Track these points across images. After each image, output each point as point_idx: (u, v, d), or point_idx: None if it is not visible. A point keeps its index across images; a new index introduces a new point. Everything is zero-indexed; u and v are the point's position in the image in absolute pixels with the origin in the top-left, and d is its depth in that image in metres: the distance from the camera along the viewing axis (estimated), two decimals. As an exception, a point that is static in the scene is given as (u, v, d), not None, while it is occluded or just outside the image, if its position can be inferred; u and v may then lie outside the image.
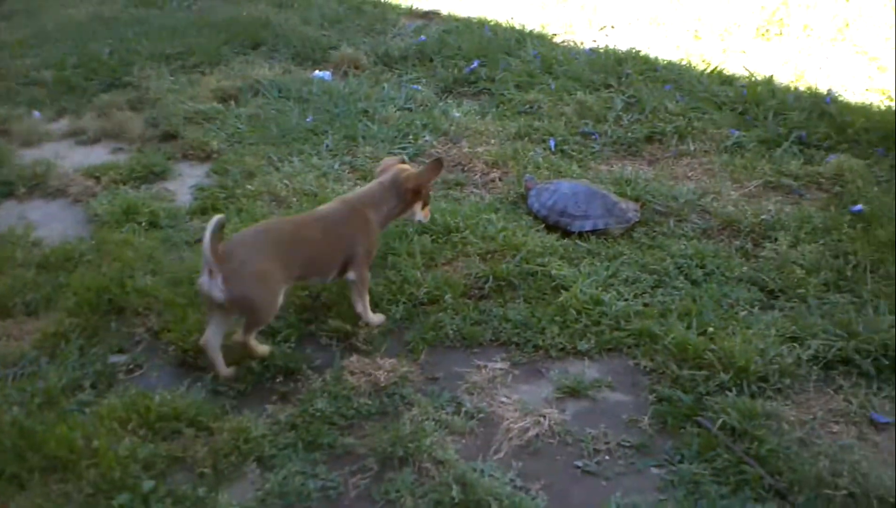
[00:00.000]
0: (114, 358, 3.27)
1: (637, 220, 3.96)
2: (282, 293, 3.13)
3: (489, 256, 3.72)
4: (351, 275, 3.31)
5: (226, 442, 2.79)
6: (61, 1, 7.93)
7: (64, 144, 5.16)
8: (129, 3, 7.54)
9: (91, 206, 4.33)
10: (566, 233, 3.90)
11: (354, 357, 3.19)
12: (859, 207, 3.96)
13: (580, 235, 3.87)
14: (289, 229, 3.29)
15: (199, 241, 3.13)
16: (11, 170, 4.70)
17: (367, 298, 3.37)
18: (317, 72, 5.92)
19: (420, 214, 3.54)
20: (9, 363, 3.22)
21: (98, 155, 4.96)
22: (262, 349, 3.17)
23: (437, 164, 3.52)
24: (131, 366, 3.23)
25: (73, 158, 4.88)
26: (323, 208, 3.43)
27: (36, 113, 5.55)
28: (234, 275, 2.95)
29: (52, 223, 4.23)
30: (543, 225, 3.95)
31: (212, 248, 2.91)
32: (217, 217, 2.95)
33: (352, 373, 3.10)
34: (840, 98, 5.00)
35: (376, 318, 3.38)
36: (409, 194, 3.40)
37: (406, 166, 3.52)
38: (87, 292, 3.51)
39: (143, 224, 4.07)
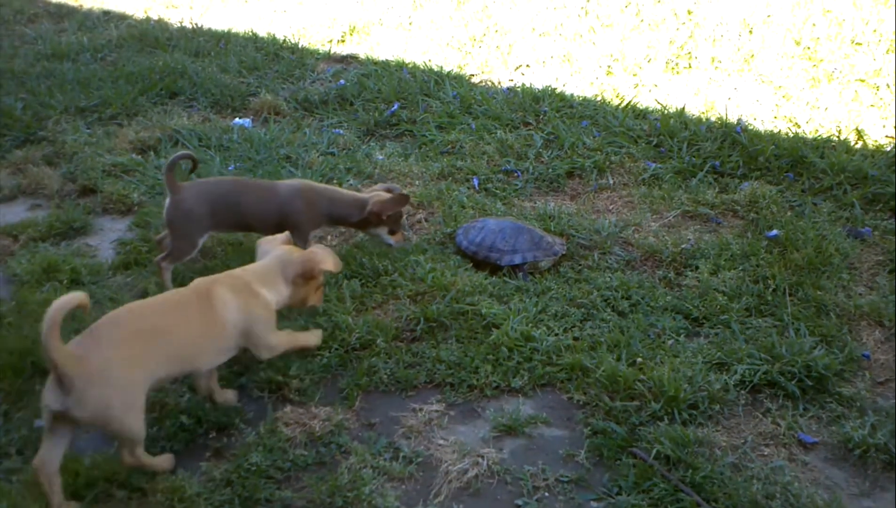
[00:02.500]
0: (39, 422, 3.15)
1: (563, 252, 4.03)
2: None
3: (419, 297, 3.74)
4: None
5: (160, 503, 2.74)
6: (-32, 56, 7.72)
7: (-23, 202, 5.01)
8: (41, 56, 7.36)
9: (10, 265, 4.19)
10: (496, 269, 3.95)
11: (288, 408, 3.17)
12: (774, 232, 4.11)
13: (510, 270, 3.92)
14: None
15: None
16: (-80, 234, 4.53)
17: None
18: (237, 119, 5.88)
19: (388, 238, 4.06)
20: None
21: (15, 213, 4.82)
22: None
23: (403, 198, 3.98)
24: (58, 430, 3.13)
25: (-13, 217, 4.74)
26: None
27: (-54, 172, 5.38)
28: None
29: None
30: (472, 263, 3.98)
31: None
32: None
33: (286, 424, 3.07)
34: (750, 127, 5.19)
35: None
36: (372, 216, 3.92)
37: (383, 193, 3.98)
38: (10, 355, 3.40)
39: (65, 282, 3.96)
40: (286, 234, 3.39)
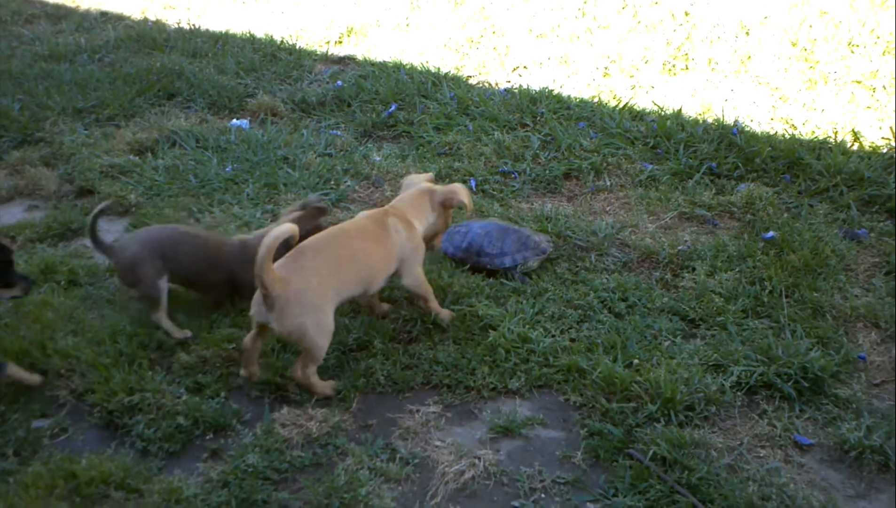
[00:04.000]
0: (37, 423, 3.17)
1: (550, 250, 4.03)
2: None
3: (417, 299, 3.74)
4: None
5: (157, 505, 2.74)
6: (-34, 56, 7.72)
7: (-25, 204, 5.00)
8: (38, 57, 7.36)
9: (7, 267, 4.19)
10: (489, 273, 3.95)
11: (285, 409, 3.17)
12: (771, 233, 4.11)
13: (505, 272, 3.92)
14: None
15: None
16: (-82, 234, 4.53)
17: None
18: (234, 121, 5.88)
19: None
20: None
21: (12, 214, 4.82)
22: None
23: (319, 210, 3.72)
24: (56, 430, 3.15)
25: (-15, 218, 4.74)
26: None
27: (-58, 173, 5.38)
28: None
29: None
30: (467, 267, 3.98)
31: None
32: None
33: (283, 425, 3.08)
34: (746, 128, 5.20)
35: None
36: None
37: (295, 213, 3.67)
38: (7, 356, 3.39)
39: (63, 283, 3.97)
40: (430, 175, 3.85)
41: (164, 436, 3.04)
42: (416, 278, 3.49)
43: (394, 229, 3.39)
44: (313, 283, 3.09)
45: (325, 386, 3.21)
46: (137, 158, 5.32)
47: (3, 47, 7.92)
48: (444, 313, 3.57)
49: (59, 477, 2.85)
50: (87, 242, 4.42)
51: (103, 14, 8.92)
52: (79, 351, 3.43)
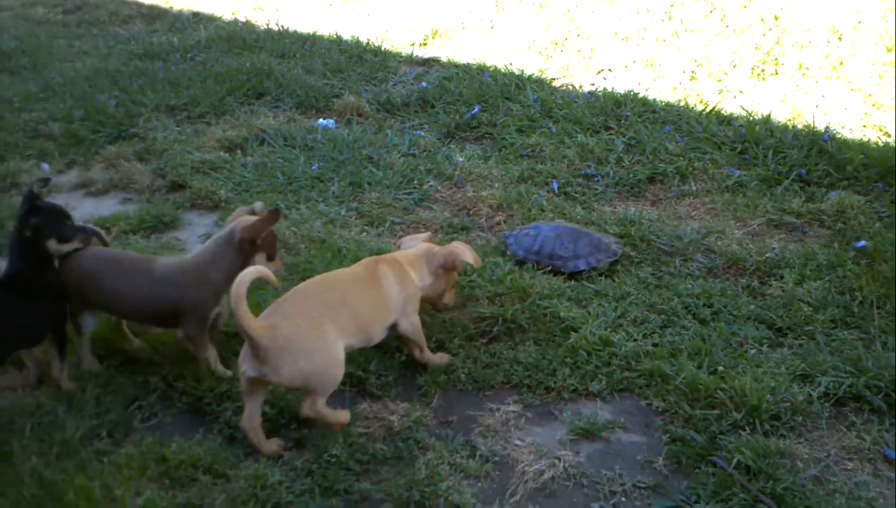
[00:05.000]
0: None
1: (621, 252, 4.02)
2: None
3: (497, 298, 3.76)
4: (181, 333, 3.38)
5: (243, 490, 2.80)
6: (66, 55, 8.03)
7: (74, 195, 5.21)
8: (133, 56, 7.64)
9: (102, 256, 4.36)
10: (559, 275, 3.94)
11: (367, 403, 3.21)
12: (862, 243, 4.01)
13: (578, 275, 3.91)
14: None
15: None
16: (21, 223, 4.74)
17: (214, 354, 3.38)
18: (321, 120, 5.99)
19: (268, 265, 3.27)
20: (26, 414, 3.22)
21: (107, 206, 5.01)
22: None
23: (274, 214, 3.33)
24: (147, 415, 3.25)
25: (82, 210, 4.92)
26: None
27: (44, 165, 5.61)
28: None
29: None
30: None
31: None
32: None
33: (365, 418, 3.12)
34: (838, 135, 5.07)
35: (226, 372, 3.37)
36: (245, 244, 3.28)
37: (248, 217, 3.39)
38: (101, 342, 3.53)
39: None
40: (428, 233, 3.72)
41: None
42: (412, 324, 3.31)
43: (384, 277, 3.24)
44: (304, 326, 2.91)
45: (338, 415, 3.03)
46: (227, 154, 5.46)
47: (100, 46, 8.24)
48: (436, 359, 3.40)
49: (151, 459, 2.94)
50: (179, 234, 4.60)
51: (195, 14, 9.18)
52: (169, 339, 3.54)
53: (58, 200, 5.09)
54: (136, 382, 3.40)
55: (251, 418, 2.96)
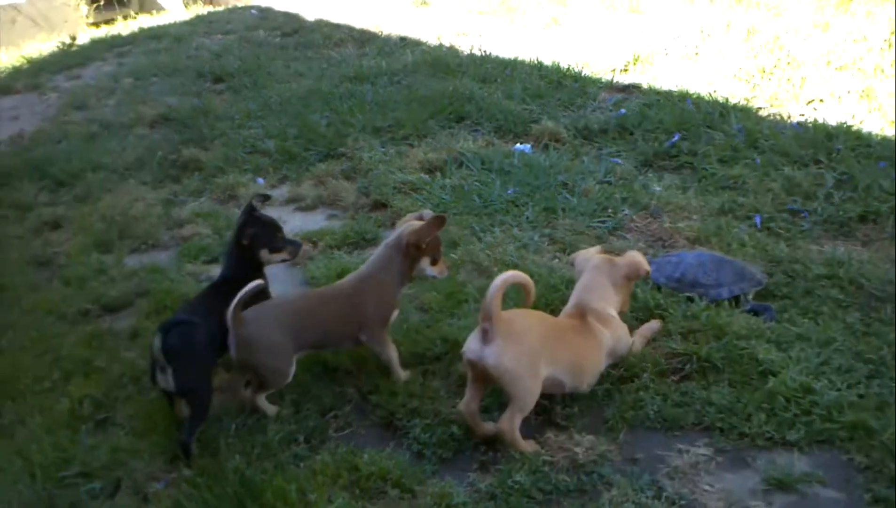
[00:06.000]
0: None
1: (766, 282, 3.91)
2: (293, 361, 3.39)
3: (691, 335, 3.66)
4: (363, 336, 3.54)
5: (429, 506, 2.88)
6: (283, 76, 8.58)
7: (285, 209, 5.56)
8: (344, 78, 8.04)
9: (308, 268, 4.63)
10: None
11: (552, 433, 3.22)
12: None
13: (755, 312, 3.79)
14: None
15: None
16: (238, 233, 5.12)
17: (396, 355, 3.56)
18: (518, 145, 6.07)
19: (431, 270, 3.64)
20: (232, 415, 3.48)
21: (315, 221, 5.31)
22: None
23: (439, 220, 3.54)
24: (341, 424, 3.41)
25: (292, 223, 5.25)
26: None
27: (259, 180, 6.02)
28: None
29: (272, 284, 4.48)
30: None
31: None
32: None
33: (549, 448, 3.13)
34: None
35: (405, 374, 3.56)
36: (411, 249, 3.51)
37: (415, 223, 3.61)
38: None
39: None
40: (598, 247, 3.79)
41: (439, 442, 3.21)
42: (632, 348, 3.52)
43: (598, 331, 3.39)
44: (534, 331, 3.18)
45: (528, 445, 3.11)
46: (427, 176, 5.65)
47: (314, 68, 8.73)
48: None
49: (343, 468, 3.10)
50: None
51: (402, 39, 9.54)
52: (366, 352, 3.70)
53: (270, 213, 5.44)
54: (333, 391, 3.59)
55: (470, 404, 3.14)
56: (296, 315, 3.47)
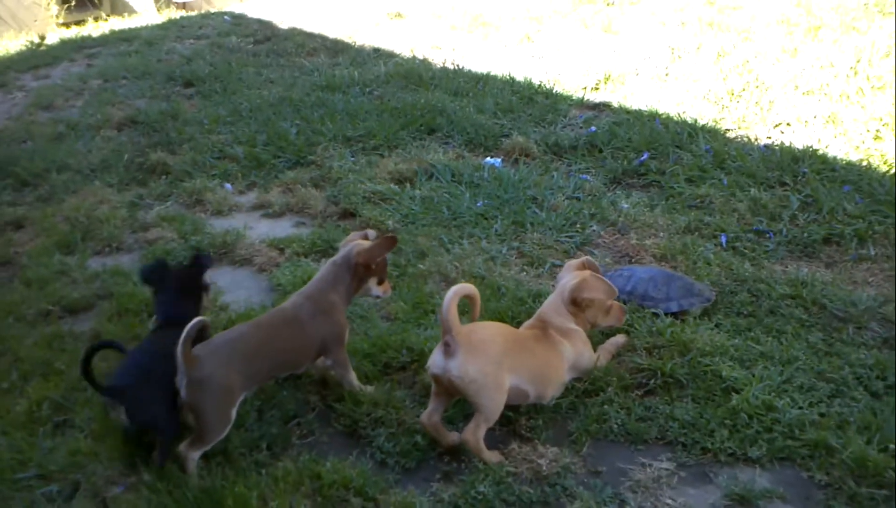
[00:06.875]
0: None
1: (714, 299, 4.00)
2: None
3: (655, 351, 3.68)
4: (328, 361, 3.49)
5: (391, 516, 2.86)
6: (254, 83, 8.53)
7: (252, 215, 5.52)
8: (316, 87, 8.01)
9: (275, 275, 4.60)
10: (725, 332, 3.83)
11: (516, 444, 3.22)
12: None
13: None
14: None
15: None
16: (204, 237, 5.07)
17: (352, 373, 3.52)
18: (488, 158, 6.09)
19: (377, 289, 3.62)
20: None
21: (282, 228, 5.28)
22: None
23: (389, 240, 3.53)
24: (305, 432, 3.38)
25: (259, 230, 5.21)
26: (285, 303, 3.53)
27: (227, 185, 5.97)
28: None
29: (237, 290, 4.52)
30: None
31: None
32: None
33: (513, 459, 3.13)
34: None
35: (369, 388, 3.51)
36: (360, 268, 3.48)
37: (363, 242, 3.57)
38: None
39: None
40: (582, 259, 3.68)
41: (402, 451, 3.19)
42: (596, 363, 3.55)
43: (558, 342, 3.43)
44: (495, 342, 3.21)
45: (492, 455, 3.12)
46: (397, 186, 5.64)
47: (286, 76, 8.70)
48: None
49: (306, 476, 3.07)
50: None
51: (376, 50, 9.55)
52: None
53: (238, 219, 5.43)
54: (296, 399, 3.55)
55: (432, 416, 3.15)
56: (249, 350, 3.22)
